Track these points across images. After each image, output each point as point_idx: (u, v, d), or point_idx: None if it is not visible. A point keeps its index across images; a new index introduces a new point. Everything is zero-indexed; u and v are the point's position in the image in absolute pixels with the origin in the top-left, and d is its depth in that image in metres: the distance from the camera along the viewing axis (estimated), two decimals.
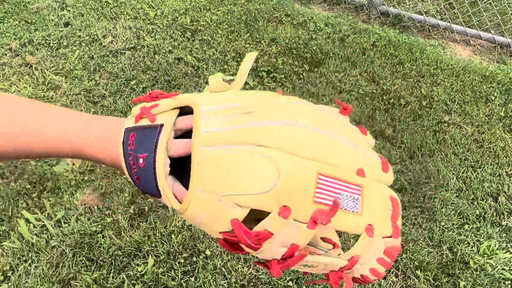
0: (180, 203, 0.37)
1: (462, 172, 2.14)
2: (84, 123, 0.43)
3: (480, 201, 2.01)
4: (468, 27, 3.15)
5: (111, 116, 0.44)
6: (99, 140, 0.41)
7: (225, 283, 1.61)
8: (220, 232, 0.36)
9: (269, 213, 0.34)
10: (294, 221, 0.33)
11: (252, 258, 1.66)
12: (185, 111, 0.40)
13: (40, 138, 0.43)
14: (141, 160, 0.37)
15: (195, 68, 2.61)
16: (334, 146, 0.35)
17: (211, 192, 0.34)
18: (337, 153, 0.35)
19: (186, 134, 0.39)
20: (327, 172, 0.34)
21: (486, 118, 2.46)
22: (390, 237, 0.37)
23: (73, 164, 1.98)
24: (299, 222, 0.34)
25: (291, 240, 0.35)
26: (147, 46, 2.73)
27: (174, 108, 0.39)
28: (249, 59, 0.41)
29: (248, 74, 2.53)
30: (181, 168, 0.39)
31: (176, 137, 0.39)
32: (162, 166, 0.37)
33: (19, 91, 2.34)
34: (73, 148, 0.42)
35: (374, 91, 2.55)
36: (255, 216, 0.35)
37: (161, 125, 0.38)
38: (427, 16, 3.21)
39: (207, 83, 2.54)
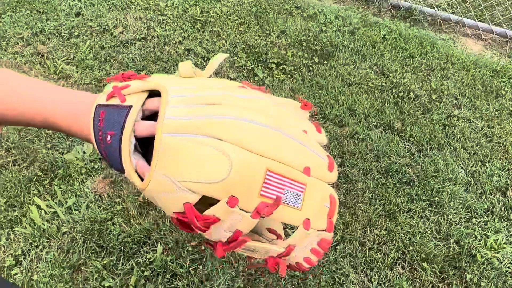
0: (142, 179, 0.40)
1: (471, 166, 2.13)
2: (57, 95, 0.45)
3: (489, 196, 2.01)
4: (480, 21, 3.12)
5: (84, 91, 0.46)
6: (71, 112, 0.43)
7: (232, 271, 1.63)
8: (174, 212, 0.39)
9: (219, 200, 0.37)
10: (240, 210, 0.37)
11: None
12: (155, 92, 0.42)
13: (13, 104, 0.44)
14: (108, 138, 0.40)
15: (205, 59, 2.62)
16: (286, 145, 0.38)
17: (168, 176, 0.37)
18: (287, 152, 0.38)
19: (154, 114, 0.41)
20: (275, 169, 0.37)
21: (496, 112, 2.44)
22: (324, 230, 0.41)
23: (84, 152, 2.00)
24: (244, 211, 0.37)
25: (236, 227, 0.38)
26: (157, 37, 2.74)
27: (144, 91, 0.42)
28: (219, 58, 0.45)
29: (258, 66, 2.53)
30: (148, 143, 0.41)
31: (145, 118, 0.42)
32: (127, 146, 0.39)
33: None
34: (45, 118, 0.44)
35: (384, 84, 2.54)
36: (208, 201, 0.38)
37: (130, 107, 0.40)
38: (438, 10, 3.18)
39: (216, 74, 2.55)
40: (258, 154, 0.36)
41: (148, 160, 0.40)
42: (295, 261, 0.43)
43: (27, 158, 1.98)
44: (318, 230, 0.41)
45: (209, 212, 0.37)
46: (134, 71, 2.42)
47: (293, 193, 0.38)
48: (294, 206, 0.38)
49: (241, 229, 0.38)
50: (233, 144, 0.36)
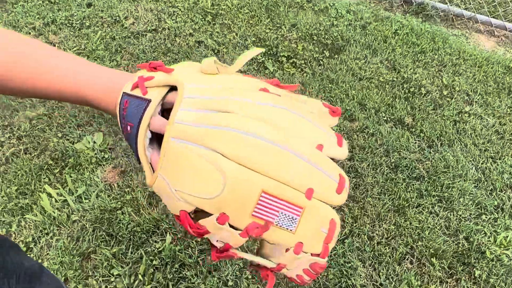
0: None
1: (482, 163, 2.12)
2: (90, 70, 0.46)
3: (499, 192, 1.99)
4: (493, 17, 3.09)
5: (117, 70, 0.47)
6: (104, 90, 0.45)
7: (241, 262, 1.63)
8: (172, 213, 0.41)
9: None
10: (229, 228, 0.37)
11: None
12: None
13: (46, 76, 0.45)
14: (128, 128, 0.42)
15: (215, 51, 2.62)
16: (290, 164, 0.36)
17: (168, 182, 0.39)
18: (290, 172, 0.36)
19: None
20: (271, 191, 0.36)
21: (508, 109, 2.42)
22: (319, 255, 0.41)
23: (94, 142, 2.01)
24: (235, 228, 0.38)
25: (226, 241, 0.39)
26: (168, 29, 2.75)
27: (165, 85, 0.42)
28: (253, 52, 0.44)
29: (269, 59, 2.53)
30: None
31: (166, 109, 0.42)
32: (142, 140, 0.41)
33: None
34: (75, 92, 0.45)
35: (395, 79, 2.53)
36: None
37: (149, 101, 0.41)
38: (451, 5, 3.15)
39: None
40: (257, 172, 0.36)
41: None
42: (295, 274, 0.44)
43: (38, 146, 1.99)
44: (312, 254, 0.40)
45: (202, 222, 0.38)
46: (146, 60, 2.42)
47: (288, 216, 0.37)
48: (287, 229, 0.38)
49: (231, 244, 0.39)
50: (232, 160, 0.36)
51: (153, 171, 0.42)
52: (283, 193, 0.36)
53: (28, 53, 0.46)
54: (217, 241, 0.40)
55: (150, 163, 0.42)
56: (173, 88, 0.42)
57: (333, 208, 0.40)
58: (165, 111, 0.43)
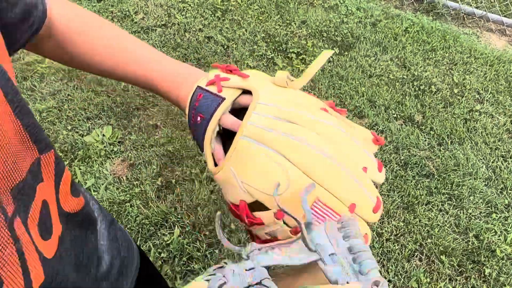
0: (215, 163, 0.46)
1: (492, 162, 2.10)
2: (165, 63, 0.52)
3: (510, 191, 1.97)
4: (505, 16, 3.06)
5: (189, 65, 0.53)
6: (176, 83, 0.50)
7: None
8: (230, 201, 0.45)
9: (269, 208, 0.42)
10: (283, 224, 0.42)
11: None
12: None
13: (134, 64, 0.52)
14: (198, 118, 0.47)
15: (225, 47, 2.61)
16: (341, 180, 0.41)
17: (235, 173, 0.43)
18: (340, 186, 0.41)
19: (241, 109, 0.47)
20: (323, 199, 0.40)
21: None
22: None
23: (103, 135, 2.02)
24: (286, 225, 0.42)
25: (275, 234, 0.44)
26: (178, 24, 2.75)
27: (239, 88, 0.47)
28: (322, 58, 0.47)
29: (278, 55, 2.51)
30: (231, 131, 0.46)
31: (236, 108, 0.47)
32: (211, 132, 0.46)
33: (52, 63, 2.39)
34: (150, 80, 0.51)
35: (405, 76, 2.51)
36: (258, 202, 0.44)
37: (223, 99, 0.46)
38: (462, 4, 3.13)
39: (236, 62, 2.54)
40: (315, 181, 0.40)
41: (225, 148, 0.46)
42: None
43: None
44: None
45: (258, 214, 0.42)
46: None
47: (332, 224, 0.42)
48: None
49: (279, 237, 0.43)
50: (296, 167, 0.40)
51: (214, 162, 0.46)
52: (332, 203, 0.40)
53: (118, 43, 0.54)
54: (265, 233, 0.44)
55: (212, 154, 0.46)
56: (244, 92, 0.47)
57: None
58: (233, 111, 0.47)
